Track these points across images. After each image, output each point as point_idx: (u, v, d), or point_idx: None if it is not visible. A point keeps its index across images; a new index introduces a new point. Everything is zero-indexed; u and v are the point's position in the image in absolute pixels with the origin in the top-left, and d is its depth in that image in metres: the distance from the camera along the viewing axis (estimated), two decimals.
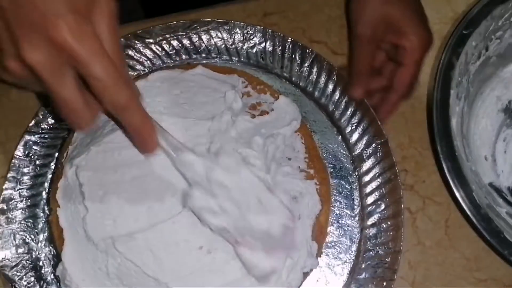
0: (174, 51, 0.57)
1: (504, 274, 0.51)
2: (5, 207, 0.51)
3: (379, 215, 0.51)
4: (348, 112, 0.55)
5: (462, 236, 0.53)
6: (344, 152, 0.54)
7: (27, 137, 0.54)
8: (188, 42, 0.57)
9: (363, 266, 0.50)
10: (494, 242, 0.46)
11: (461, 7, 0.61)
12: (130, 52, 0.57)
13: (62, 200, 0.49)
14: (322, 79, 0.56)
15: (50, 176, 0.54)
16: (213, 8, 0.61)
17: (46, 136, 0.55)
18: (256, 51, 0.57)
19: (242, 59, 0.57)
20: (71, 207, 0.48)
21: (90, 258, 0.46)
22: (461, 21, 0.52)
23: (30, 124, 0.54)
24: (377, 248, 0.50)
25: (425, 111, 0.57)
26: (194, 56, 0.58)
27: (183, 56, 0.58)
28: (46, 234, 0.51)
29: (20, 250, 0.50)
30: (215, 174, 0.42)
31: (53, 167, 0.54)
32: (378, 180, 0.52)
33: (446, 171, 0.48)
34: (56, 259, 0.50)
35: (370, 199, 0.52)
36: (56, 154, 0.54)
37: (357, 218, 0.52)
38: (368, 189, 0.52)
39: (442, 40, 0.59)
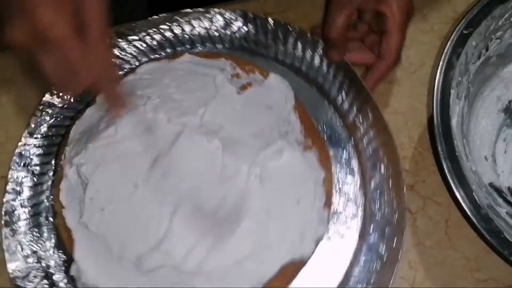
0: (158, 45, 0.58)
1: (504, 274, 0.51)
2: (8, 219, 0.51)
3: (380, 177, 0.52)
4: (337, 83, 0.55)
5: (462, 236, 0.53)
6: (337, 122, 0.55)
7: (22, 148, 0.54)
8: (171, 34, 0.58)
9: (371, 229, 0.50)
10: (494, 242, 0.46)
11: (461, 7, 0.61)
12: (115, 51, 0.57)
13: (66, 201, 0.49)
14: (308, 54, 0.56)
15: (50, 183, 0.54)
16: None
17: (40, 144, 0.55)
18: (239, 35, 0.57)
19: (226, 45, 0.58)
20: (76, 206, 0.48)
21: (102, 253, 0.46)
22: (461, 21, 0.52)
23: (23, 135, 0.54)
24: (382, 208, 0.50)
25: (425, 111, 0.57)
26: (179, 48, 0.58)
27: (168, 50, 0.58)
28: (53, 241, 0.51)
29: (29, 260, 0.50)
30: None
31: (51, 174, 0.54)
32: (373, 143, 0.53)
33: (446, 171, 0.48)
34: (67, 263, 0.50)
35: (369, 164, 0.53)
36: (53, 161, 0.54)
37: (358, 183, 0.52)
38: (366, 153, 0.53)
39: (442, 40, 0.59)
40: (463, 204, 0.47)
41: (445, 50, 0.51)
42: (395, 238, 0.49)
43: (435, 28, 0.60)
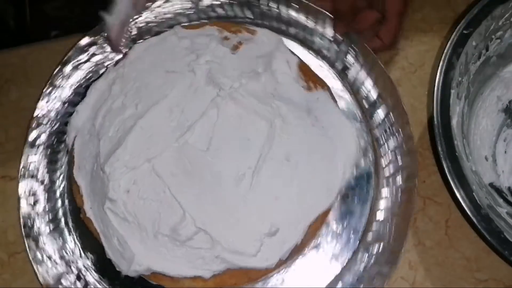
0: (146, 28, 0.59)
1: (504, 274, 0.51)
2: (28, 231, 0.51)
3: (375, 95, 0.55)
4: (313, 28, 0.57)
5: (463, 236, 0.53)
6: (325, 67, 0.57)
7: (27, 157, 0.54)
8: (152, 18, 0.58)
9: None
10: (495, 242, 0.46)
11: (461, 7, 0.61)
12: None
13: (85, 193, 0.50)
14: (284, 10, 0.57)
15: (61, 188, 0.54)
16: None
17: (44, 153, 0.55)
18: (212, 6, 0.58)
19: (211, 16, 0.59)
20: (99, 194, 0.49)
21: (136, 233, 0.47)
22: (461, 21, 0.52)
23: (26, 145, 0.54)
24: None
25: (425, 111, 0.57)
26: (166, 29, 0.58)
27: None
28: (78, 244, 0.52)
29: (58, 267, 0.51)
30: None
31: (61, 178, 0.54)
32: (364, 71, 0.55)
33: (446, 171, 0.48)
34: (98, 263, 0.51)
35: (362, 95, 0.56)
36: (60, 169, 0.55)
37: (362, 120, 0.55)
38: (364, 90, 0.56)
39: (442, 40, 0.59)
40: (463, 204, 0.47)
41: (445, 50, 0.51)
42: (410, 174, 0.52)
43: (435, 28, 0.60)
